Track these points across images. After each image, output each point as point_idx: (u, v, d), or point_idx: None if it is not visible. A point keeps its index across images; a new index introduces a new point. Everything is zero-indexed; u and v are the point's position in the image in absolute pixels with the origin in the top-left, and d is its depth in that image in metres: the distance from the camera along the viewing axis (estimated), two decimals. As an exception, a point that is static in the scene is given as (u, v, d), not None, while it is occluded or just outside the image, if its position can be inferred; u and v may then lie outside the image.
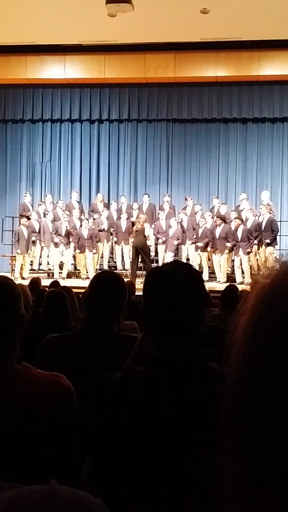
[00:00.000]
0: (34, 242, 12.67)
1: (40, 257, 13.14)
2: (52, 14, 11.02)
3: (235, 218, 11.86)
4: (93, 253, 12.24)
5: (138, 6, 9.95)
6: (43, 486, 0.72)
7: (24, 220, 12.34)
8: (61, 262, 13.31)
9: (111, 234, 12.93)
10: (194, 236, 12.21)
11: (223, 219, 11.94)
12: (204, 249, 12.09)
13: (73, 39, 12.78)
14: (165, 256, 12.11)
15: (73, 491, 0.72)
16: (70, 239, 12.26)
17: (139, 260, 11.60)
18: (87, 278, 11.87)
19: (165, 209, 12.92)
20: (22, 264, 12.28)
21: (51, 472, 1.23)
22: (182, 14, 10.93)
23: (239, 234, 11.57)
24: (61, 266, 13.21)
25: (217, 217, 12.07)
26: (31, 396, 1.42)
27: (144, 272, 11.16)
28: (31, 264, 12.78)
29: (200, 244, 12.03)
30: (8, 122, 15.01)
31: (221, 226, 11.80)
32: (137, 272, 11.63)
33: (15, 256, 12.39)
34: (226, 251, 11.72)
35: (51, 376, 1.49)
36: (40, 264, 13.16)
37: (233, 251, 11.97)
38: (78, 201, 13.71)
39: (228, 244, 11.67)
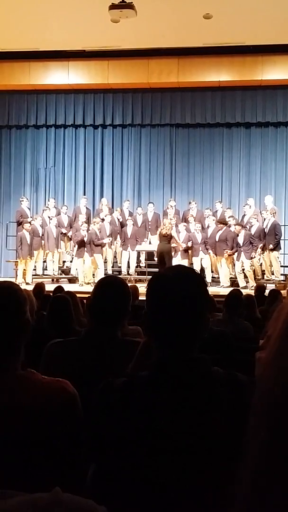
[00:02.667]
0: (37, 247, 12.65)
1: (44, 262, 13.13)
2: (56, 21, 11.07)
3: (235, 225, 11.82)
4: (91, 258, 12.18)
5: (141, 11, 9.99)
6: (47, 493, 0.72)
7: (27, 225, 12.33)
8: (66, 267, 13.32)
9: (121, 239, 12.91)
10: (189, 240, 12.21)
11: (224, 223, 11.93)
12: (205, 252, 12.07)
13: (76, 45, 12.83)
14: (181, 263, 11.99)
15: (77, 499, 0.72)
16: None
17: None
18: (83, 284, 11.84)
19: (170, 214, 12.88)
20: (24, 270, 12.27)
21: (56, 478, 1.23)
22: (185, 20, 10.97)
23: (241, 239, 11.55)
24: (66, 272, 13.21)
25: (218, 222, 12.05)
26: (36, 402, 1.41)
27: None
28: (34, 269, 12.76)
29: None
30: (12, 128, 15.07)
31: (222, 230, 11.79)
32: (142, 277, 11.59)
33: (18, 261, 12.41)
34: (225, 255, 11.69)
35: (55, 381, 1.49)
36: (43, 269, 13.14)
37: (234, 255, 11.96)
38: (86, 207, 13.70)
39: (229, 251, 11.64)
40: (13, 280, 11.37)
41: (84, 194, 14.64)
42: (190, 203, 13.35)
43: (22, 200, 13.43)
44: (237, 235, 11.60)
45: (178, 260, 11.96)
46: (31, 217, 13.02)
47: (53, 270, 12.95)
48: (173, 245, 11.90)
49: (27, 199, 13.76)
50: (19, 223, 12.77)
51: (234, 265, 12.24)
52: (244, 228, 11.75)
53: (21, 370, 1.47)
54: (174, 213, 12.95)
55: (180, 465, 1.22)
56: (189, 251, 12.23)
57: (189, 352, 1.32)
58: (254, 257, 11.68)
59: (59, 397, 1.45)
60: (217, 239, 11.80)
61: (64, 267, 13.39)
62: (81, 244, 12.04)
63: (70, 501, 0.71)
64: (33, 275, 12.50)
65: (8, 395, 1.41)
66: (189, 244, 12.10)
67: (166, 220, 11.84)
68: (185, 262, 11.73)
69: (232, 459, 1.21)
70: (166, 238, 11.35)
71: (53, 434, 1.40)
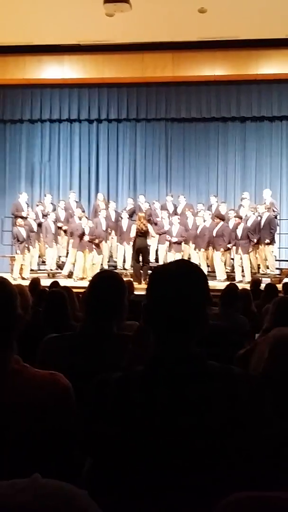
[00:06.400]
0: (32, 242, 12.57)
1: (40, 257, 13.11)
2: (50, 14, 11.02)
3: (234, 217, 11.86)
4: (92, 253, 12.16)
5: (136, 5, 9.95)
6: (26, 478, 0.74)
7: (20, 220, 12.28)
8: (62, 262, 13.27)
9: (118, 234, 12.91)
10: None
11: (222, 218, 11.93)
12: (204, 247, 12.07)
13: (71, 39, 12.78)
14: (174, 257, 11.96)
15: (56, 482, 0.74)
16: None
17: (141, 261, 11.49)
18: (81, 279, 11.82)
19: (170, 209, 12.88)
20: (22, 265, 12.23)
21: (50, 472, 1.23)
22: (180, 14, 10.94)
23: (239, 232, 11.57)
24: (62, 267, 13.16)
25: (215, 216, 12.05)
26: (29, 395, 1.42)
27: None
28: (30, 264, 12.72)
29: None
30: (7, 123, 15.02)
31: (219, 224, 11.79)
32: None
33: (14, 257, 12.36)
34: (222, 249, 11.71)
35: (48, 374, 1.49)
36: (39, 264, 13.12)
37: (230, 250, 11.98)
38: (76, 201, 13.69)
39: (227, 245, 11.65)
40: (8, 275, 11.36)
41: (80, 189, 14.62)
42: (178, 197, 13.33)
43: (21, 195, 13.38)
44: (236, 228, 11.61)
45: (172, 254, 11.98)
46: (26, 213, 12.94)
47: (50, 265, 12.93)
48: (171, 239, 11.89)
49: (26, 194, 13.71)
50: (16, 217, 12.71)
51: (232, 259, 12.27)
52: (243, 221, 11.76)
53: (14, 365, 1.47)
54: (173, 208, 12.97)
55: (177, 461, 1.22)
56: (184, 244, 12.23)
57: (186, 346, 1.32)
58: (252, 250, 11.72)
59: (53, 389, 1.45)
60: (214, 234, 11.80)
61: (60, 262, 13.36)
62: (81, 238, 12.04)
63: (49, 483, 0.73)
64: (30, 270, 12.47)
65: (1, 389, 1.41)
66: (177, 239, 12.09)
67: (141, 214, 11.82)
68: (179, 256, 11.73)
69: (229, 452, 1.21)
70: (144, 234, 11.35)
71: (48, 427, 1.40)
